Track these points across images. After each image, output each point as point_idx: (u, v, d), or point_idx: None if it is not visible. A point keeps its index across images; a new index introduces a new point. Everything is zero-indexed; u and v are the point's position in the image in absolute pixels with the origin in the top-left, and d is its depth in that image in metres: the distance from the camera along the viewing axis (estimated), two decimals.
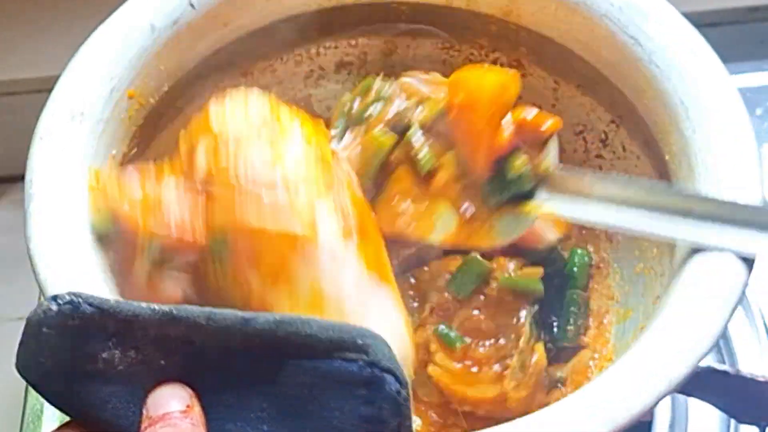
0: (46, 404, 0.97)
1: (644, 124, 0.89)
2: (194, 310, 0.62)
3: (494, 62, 0.98)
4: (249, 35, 0.94)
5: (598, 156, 0.96)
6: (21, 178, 0.79)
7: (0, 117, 1.21)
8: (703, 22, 0.87)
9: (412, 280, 0.92)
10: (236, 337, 0.62)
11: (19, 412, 1.01)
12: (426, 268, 0.93)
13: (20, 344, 0.63)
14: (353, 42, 0.99)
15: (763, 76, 1.19)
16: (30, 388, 1.00)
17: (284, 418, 0.62)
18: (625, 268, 0.93)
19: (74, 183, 0.80)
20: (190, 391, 0.62)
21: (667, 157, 0.85)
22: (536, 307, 0.90)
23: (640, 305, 0.90)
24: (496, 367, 0.87)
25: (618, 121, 0.93)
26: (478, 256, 0.91)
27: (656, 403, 0.71)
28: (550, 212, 0.85)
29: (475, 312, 0.90)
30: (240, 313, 0.62)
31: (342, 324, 0.62)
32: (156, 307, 0.62)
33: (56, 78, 0.84)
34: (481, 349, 0.88)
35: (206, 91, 0.93)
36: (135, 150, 0.88)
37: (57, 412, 1.00)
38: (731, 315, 0.74)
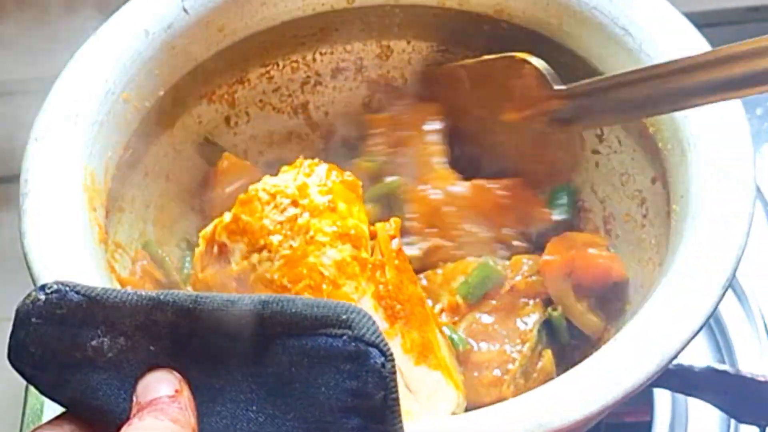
0: (46, 404, 0.98)
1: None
2: (181, 294, 0.63)
3: None
4: (244, 41, 0.95)
5: (595, 152, 0.96)
6: (19, 178, 0.80)
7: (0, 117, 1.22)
8: (703, 22, 0.88)
9: (425, 282, 0.93)
10: (223, 319, 0.62)
11: (19, 412, 1.01)
12: (440, 271, 0.93)
13: (11, 335, 0.63)
14: (348, 47, 1.00)
15: None
16: (30, 388, 1.00)
17: (272, 398, 0.62)
18: (623, 259, 0.93)
19: (69, 182, 0.81)
20: (178, 375, 0.62)
21: (659, 144, 0.85)
22: (546, 313, 0.90)
23: (638, 296, 0.89)
24: (496, 372, 0.87)
25: None
26: (491, 261, 0.91)
27: (649, 380, 0.71)
28: None
29: (484, 316, 0.90)
30: (226, 296, 0.63)
31: (327, 301, 0.62)
32: (143, 293, 0.63)
33: (56, 78, 0.85)
34: (485, 353, 0.88)
35: (204, 98, 0.95)
36: (131, 152, 0.89)
37: (57, 411, 1.00)
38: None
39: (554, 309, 0.90)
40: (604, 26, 0.89)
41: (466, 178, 0.96)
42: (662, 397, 1.00)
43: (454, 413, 0.81)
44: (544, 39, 0.94)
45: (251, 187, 0.80)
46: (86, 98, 0.85)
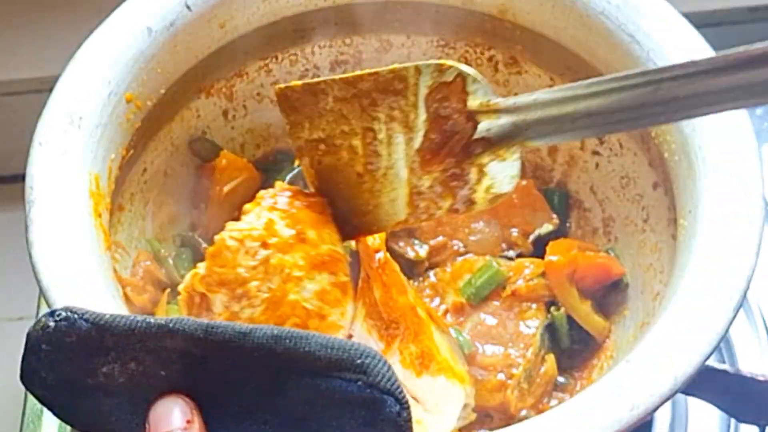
0: None
1: None
2: (191, 322, 0.62)
3: (490, 60, 0.98)
4: (244, 36, 0.94)
5: (595, 153, 0.96)
6: (21, 178, 0.79)
7: (0, 117, 1.20)
8: (703, 22, 0.87)
9: (433, 279, 0.92)
10: (235, 351, 0.62)
11: (19, 412, 1.01)
12: (448, 269, 0.93)
13: (22, 359, 0.63)
14: (348, 41, 0.99)
15: None
16: None
17: (285, 430, 0.62)
18: (623, 264, 0.93)
19: (74, 188, 0.80)
20: (191, 403, 0.62)
21: (666, 155, 0.86)
22: (549, 317, 0.91)
23: (638, 302, 0.90)
24: (501, 376, 0.87)
25: None
26: (495, 263, 0.91)
27: (662, 404, 0.72)
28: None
29: (488, 317, 0.90)
30: (238, 326, 0.62)
31: (341, 341, 0.61)
32: (152, 320, 0.62)
33: (56, 78, 0.84)
34: (489, 357, 0.89)
35: (202, 92, 0.94)
36: (132, 152, 0.88)
37: None
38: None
39: (557, 309, 0.90)
40: (611, 32, 0.89)
41: None
42: None
43: (466, 405, 0.82)
44: (549, 41, 0.93)
45: (217, 238, 0.78)
46: (89, 100, 0.84)
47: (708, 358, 0.73)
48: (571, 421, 0.71)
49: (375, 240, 0.83)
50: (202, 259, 0.78)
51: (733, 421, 0.99)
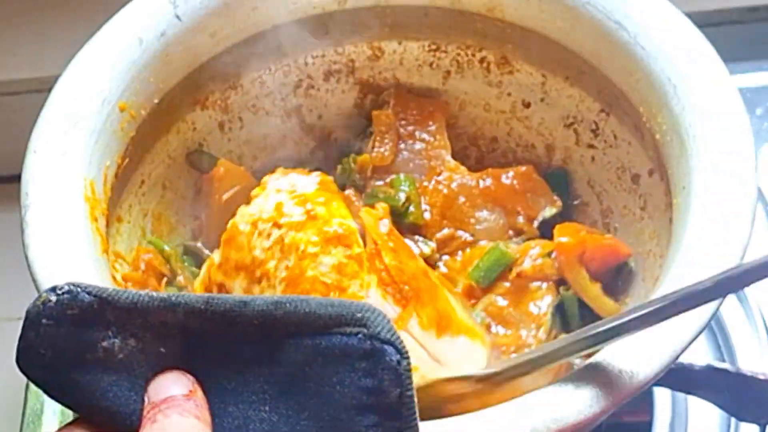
0: (47, 404, 0.98)
1: (633, 109, 0.89)
2: (192, 296, 0.62)
3: (481, 61, 0.98)
4: (236, 46, 0.95)
5: (590, 146, 0.96)
6: (20, 178, 0.80)
7: (0, 117, 1.22)
8: (703, 22, 0.88)
9: (444, 270, 0.93)
10: (235, 320, 0.62)
11: (19, 412, 1.00)
12: (458, 258, 0.93)
13: (20, 338, 0.62)
14: (340, 49, 0.99)
15: (763, 76, 1.19)
16: (30, 388, 1.00)
17: (285, 397, 0.62)
18: None
19: (70, 193, 0.81)
20: (190, 377, 0.62)
21: (657, 137, 0.86)
22: (559, 297, 0.90)
23: (641, 290, 0.89)
24: (514, 356, 0.87)
25: (607, 110, 0.93)
26: (501, 245, 0.92)
27: (657, 376, 0.71)
28: None
29: (499, 299, 0.90)
30: (238, 297, 0.62)
31: (341, 300, 0.62)
32: (154, 294, 0.62)
33: (56, 78, 0.85)
34: (501, 338, 0.88)
35: (197, 105, 0.95)
36: (128, 161, 0.89)
37: (57, 412, 1.01)
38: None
39: (566, 289, 0.90)
40: (598, 21, 0.89)
41: (473, 171, 0.97)
42: (662, 397, 1.00)
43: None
44: (538, 36, 0.94)
45: (230, 223, 0.79)
46: (83, 108, 0.85)
47: (704, 328, 0.73)
48: (570, 393, 0.70)
49: (379, 210, 0.83)
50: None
51: (733, 420, 0.98)
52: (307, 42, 0.98)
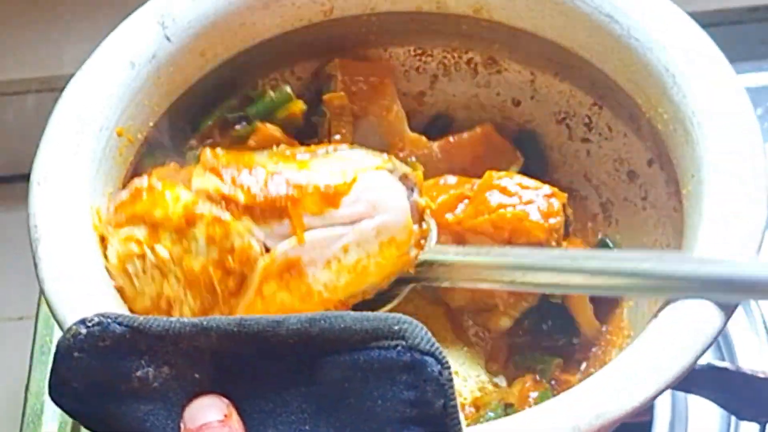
0: (47, 404, 0.97)
1: (629, 101, 0.89)
2: (224, 319, 0.62)
3: (468, 63, 0.98)
4: (225, 63, 0.94)
5: (585, 140, 0.96)
6: (21, 178, 0.79)
7: (0, 117, 1.19)
8: (703, 22, 0.88)
9: None
10: (270, 340, 0.61)
11: (19, 412, 0.99)
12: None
13: (52, 371, 0.62)
14: (325, 60, 0.99)
15: (763, 76, 1.21)
16: (30, 388, 0.99)
17: (325, 415, 0.61)
18: (628, 245, 0.93)
19: (79, 223, 0.80)
20: (226, 400, 0.62)
21: (659, 127, 0.86)
22: None
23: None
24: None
25: (600, 103, 0.94)
26: None
27: (651, 400, 0.72)
28: None
29: None
30: (271, 317, 0.62)
31: (376, 314, 0.62)
32: (185, 320, 0.62)
33: (56, 78, 0.84)
34: None
35: (191, 126, 0.94)
36: None
37: (57, 412, 1.00)
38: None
39: None
40: (587, 15, 0.90)
41: (432, 138, 0.97)
42: (662, 396, 0.98)
43: None
44: (526, 33, 0.94)
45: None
46: (82, 136, 0.84)
47: (735, 309, 0.73)
48: (609, 387, 0.70)
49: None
50: None
51: (733, 418, 0.99)
52: (293, 55, 0.97)
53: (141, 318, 0.62)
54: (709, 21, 0.80)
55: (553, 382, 0.89)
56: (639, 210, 0.92)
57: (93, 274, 0.78)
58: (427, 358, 0.60)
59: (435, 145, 0.97)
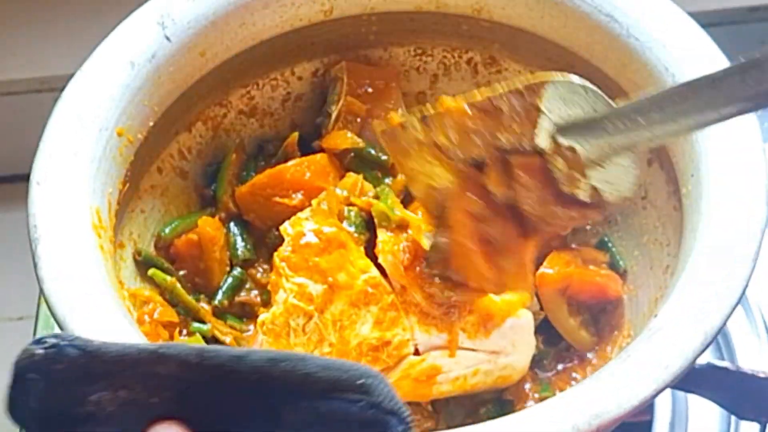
0: None
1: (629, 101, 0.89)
2: (184, 347, 0.60)
3: (468, 63, 0.98)
4: (225, 63, 0.94)
5: None
6: (21, 178, 0.79)
7: (0, 117, 1.20)
8: (703, 22, 0.88)
9: None
10: (229, 375, 0.60)
11: None
12: None
13: (9, 389, 0.60)
14: (326, 60, 0.99)
15: None
16: None
17: None
18: (627, 244, 0.93)
19: (78, 223, 0.80)
20: (183, 428, 0.61)
21: None
22: None
23: (649, 278, 0.90)
24: None
25: None
26: None
27: (695, 360, 0.72)
28: None
29: None
30: (233, 350, 0.60)
31: (341, 362, 0.60)
32: (143, 346, 0.60)
33: (56, 78, 0.84)
34: None
35: (190, 126, 0.94)
36: (128, 186, 0.87)
37: None
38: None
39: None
40: (587, 15, 0.90)
41: None
42: (662, 396, 0.98)
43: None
44: (526, 34, 0.94)
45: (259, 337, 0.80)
46: (81, 136, 0.84)
47: (735, 309, 0.73)
48: (611, 385, 0.70)
49: (389, 245, 0.83)
50: None
51: (733, 418, 0.98)
52: (293, 54, 0.98)
53: (97, 342, 0.60)
54: (709, 21, 0.80)
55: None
56: (639, 209, 0.92)
57: (92, 273, 0.78)
58: (390, 417, 0.58)
59: None
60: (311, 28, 0.96)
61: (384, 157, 0.94)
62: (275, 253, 0.83)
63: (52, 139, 0.83)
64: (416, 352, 0.81)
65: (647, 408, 0.98)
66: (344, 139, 0.94)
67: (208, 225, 0.91)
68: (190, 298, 0.89)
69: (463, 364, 0.81)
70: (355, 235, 0.84)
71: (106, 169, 0.84)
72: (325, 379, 0.59)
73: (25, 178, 0.80)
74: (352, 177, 0.89)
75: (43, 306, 1.00)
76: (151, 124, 0.89)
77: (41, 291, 0.76)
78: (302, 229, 0.82)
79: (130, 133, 0.87)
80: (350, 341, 0.79)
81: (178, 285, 0.88)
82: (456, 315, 0.81)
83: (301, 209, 0.86)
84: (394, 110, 0.96)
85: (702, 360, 0.77)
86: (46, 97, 0.82)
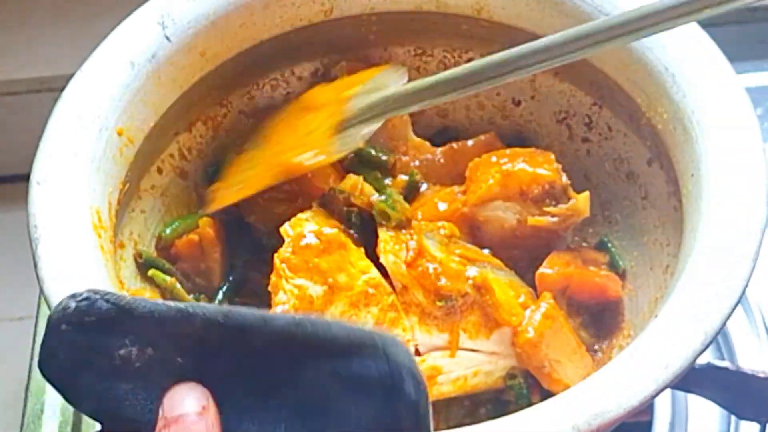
0: (47, 404, 0.97)
1: (629, 101, 0.90)
2: (210, 307, 0.62)
3: (468, 62, 0.98)
4: (225, 63, 0.94)
5: (585, 140, 0.96)
6: (21, 178, 0.79)
7: (0, 117, 1.20)
8: (703, 22, 0.88)
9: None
10: (255, 336, 0.61)
11: (19, 412, 0.99)
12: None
13: (42, 342, 0.62)
14: (325, 60, 0.99)
15: (763, 76, 1.21)
16: (30, 388, 0.99)
17: (302, 418, 0.61)
18: (627, 245, 0.93)
19: (79, 223, 0.80)
20: (206, 390, 0.61)
21: (659, 126, 0.86)
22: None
23: (649, 278, 0.90)
24: None
25: (600, 103, 0.94)
26: None
27: (695, 359, 0.72)
28: None
29: None
30: (259, 313, 0.62)
31: (363, 327, 0.62)
32: (172, 304, 0.62)
33: (56, 78, 0.84)
34: None
35: (190, 126, 0.94)
36: (128, 186, 0.88)
37: (57, 412, 1.00)
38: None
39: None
40: (588, 15, 0.90)
41: (436, 144, 0.97)
42: (662, 396, 0.98)
43: None
44: (526, 34, 0.94)
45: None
46: (82, 136, 0.84)
47: (735, 309, 0.73)
48: (610, 386, 0.70)
49: (391, 246, 0.83)
50: None
51: (733, 418, 0.99)
52: (292, 54, 0.98)
53: (129, 297, 0.62)
54: (709, 21, 0.80)
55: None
56: (639, 209, 0.92)
57: (92, 274, 0.78)
58: (406, 378, 0.60)
59: (438, 151, 0.97)
60: (311, 28, 0.96)
61: (384, 158, 0.94)
62: (275, 255, 0.83)
63: (52, 139, 0.83)
64: (417, 353, 0.81)
65: (647, 408, 0.98)
66: None
67: (209, 226, 0.91)
68: (190, 299, 0.89)
69: (463, 365, 0.81)
70: (356, 236, 0.84)
71: (106, 169, 0.85)
72: (346, 341, 0.60)
73: (25, 178, 0.80)
74: (352, 178, 0.89)
75: (43, 306, 1.00)
76: (152, 124, 0.89)
77: (41, 291, 0.76)
78: (302, 230, 0.82)
79: (131, 133, 0.87)
80: None
81: (178, 285, 0.88)
82: (458, 315, 0.81)
83: (302, 210, 0.86)
84: None
85: (702, 360, 0.77)
86: (46, 97, 0.82)
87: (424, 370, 0.80)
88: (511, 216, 0.89)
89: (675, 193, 0.86)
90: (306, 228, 0.83)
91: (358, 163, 0.93)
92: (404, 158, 0.96)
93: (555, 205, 0.89)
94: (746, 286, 0.74)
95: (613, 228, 0.95)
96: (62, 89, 0.86)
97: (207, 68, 0.93)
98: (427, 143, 0.97)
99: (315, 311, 0.79)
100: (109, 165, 0.85)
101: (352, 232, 0.84)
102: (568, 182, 0.90)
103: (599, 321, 0.91)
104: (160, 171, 0.93)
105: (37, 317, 1.01)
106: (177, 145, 0.94)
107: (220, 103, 0.96)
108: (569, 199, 0.89)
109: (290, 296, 0.80)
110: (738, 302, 0.73)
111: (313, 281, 0.80)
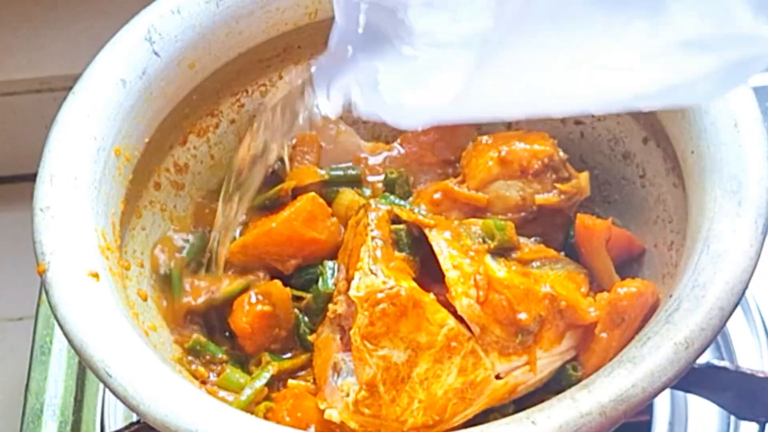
0: (47, 404, 0.98)
1: None
2: None
3: None
4: (214, 73, 0.94)
5: (577, 122, 0.97)
6: (21, 178, 0.78)
7: (0, 117, 1.19)
8: None
9: None
10: None
11: (19, 412, 0.99)
12: None
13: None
14: (313, 63, 0.98)
15: (763, 76, 1.21)
16: (30, 388, 0.99)
17: None
18: (628, 224, 0.94)
19: (86, 247, 0.80)
20: None
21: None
22: None
23: (654, 257, 0.90)
24: None
25: None
26: None
27: (714, 338, 0.72)
28: None
29: None
30: None
31: None
32: None
33: (56, 78, 0.83)
34: None
35: (184, 139, 0.94)
36: (129, 205, 0.87)
37: (57, 412, 1.00)
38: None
39: None
40: None
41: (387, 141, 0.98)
42: (662, 396, 1.00)
43: None
44: None
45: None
46: (80, 159, 0.84)
47: (748, 282, 0.74)
48: (635, 368, 0.71)
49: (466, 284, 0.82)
50: None
51: (733, 418, 0.99)
52: (280, 59, 0.97)
53: None
54: None
55: None
56: (638, 188, 0.92)
57: (104, 296, 0.78)
58: None
59: (396, 144, 0.97)
60: (297, 32, 0.96)
61: (353, 172, 0.94)
62: (352, 332, 0.80)
63: (52, 163, 0.83)
64: (497, 376, 0.80)
65: (646, 408, 0.99)
66: (308, 173, 0.94)
67: (284, 297, 0.89)
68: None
69: (539, 371, 0.81)
70: (410, 257, 0.83)
71: (107, 190, 0.84)
72: None
73: (25, 178, 0.80)
74: (348, 193, 0.90)
75: (43, 306, 1.00)
76: (147, 140, 0.89)
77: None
78: (373, 289, 0.79)
79: (127, 152, 0.87)
80: (437, 393, 0.78)
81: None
82: (531, 335, 0.80)
83: (300, 265, 0.88)
84: (336, 127, 0.97)
85: (701, 360, 0.77)
86: (46, 97, 0.81)
87: (507, 389, 0.80)
88: (514, 193, 0.88)
89: (674, 168, 0.86)
90: (374, 283, 0.80)
91: (334, 189, 0.93)
92: (370, 163, 0.96)
93: (556, 180, 0.88)
94: (759, 252, 0.75)
95: (613, 207, 0.95)
96: (62, 89, 0.85)
97: (197, 80, 0.93)
98: (381, 143, 0.97)
99: (403, 377, 0.78)
100: (110, 185, 0.85)
101: (405, 254, 0.83)
102: (566, 156, 0.89)
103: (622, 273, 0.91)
104: (157, 186, 0.93)
105: (36, 317, 1.00)
106: (172, 159, 0.94)
107: (212, 114, 0.96)
108: (569, 173, 0.89)
109: (377, 369, 0.78)
110: (752, 273, 0.74)
111: (396, 347, 0.79)
